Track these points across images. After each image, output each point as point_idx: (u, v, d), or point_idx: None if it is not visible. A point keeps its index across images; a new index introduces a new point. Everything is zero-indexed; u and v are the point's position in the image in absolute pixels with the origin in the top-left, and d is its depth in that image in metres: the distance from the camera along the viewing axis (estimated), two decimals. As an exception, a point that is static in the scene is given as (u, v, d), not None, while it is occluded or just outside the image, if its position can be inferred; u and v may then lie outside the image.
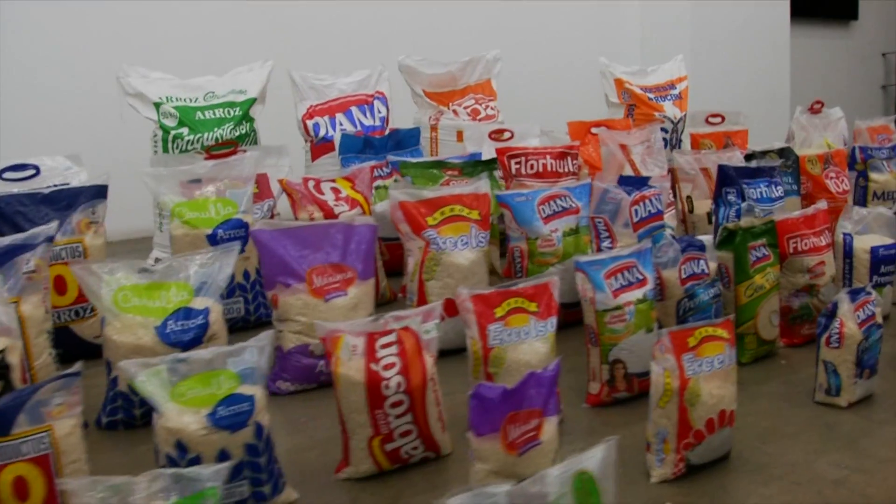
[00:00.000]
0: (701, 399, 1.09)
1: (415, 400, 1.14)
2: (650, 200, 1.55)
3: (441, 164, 1.84)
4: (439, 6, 3.42)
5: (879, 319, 1.32)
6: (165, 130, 2.24)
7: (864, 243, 1.64)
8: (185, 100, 2.29)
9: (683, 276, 1.39)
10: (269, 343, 1.09)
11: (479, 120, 2.66)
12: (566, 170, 2.07)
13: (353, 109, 2.45)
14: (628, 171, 2.16)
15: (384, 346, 1.14)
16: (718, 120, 2.57)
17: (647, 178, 1.60)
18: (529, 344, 1.24)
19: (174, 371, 1.05)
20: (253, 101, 2.35)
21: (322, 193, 1.85)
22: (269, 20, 3.06)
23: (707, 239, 1.44)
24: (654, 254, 1.40)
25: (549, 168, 2.04)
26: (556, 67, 3.49)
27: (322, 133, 2.38)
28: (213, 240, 1.70)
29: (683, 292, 1.39)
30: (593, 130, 2.50)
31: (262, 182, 1.97)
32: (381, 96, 2.50)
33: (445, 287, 1.54)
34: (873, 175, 2.18)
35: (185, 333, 1.33)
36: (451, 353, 1.50)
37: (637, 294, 1.33)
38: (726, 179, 1.71)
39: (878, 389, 1.36)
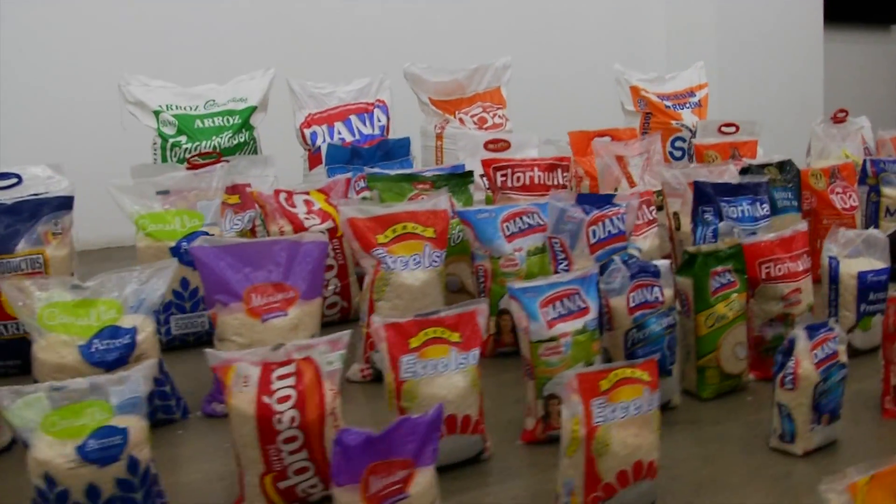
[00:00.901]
0: (611, 449, 0.96)
1: (310, 436, 1.03)
2: (611, 220, 1.41)
3: (412, 178, 1.73)
4: (459, 12, 3.30)
5: (843, 358, 1.15)
6: (164, 139, 2.19)
7: (851, 268, 1.46)
8: (184, 108, 2.24)
9: (632, 304, 1.24)
10: (152, 371, 1.01)
11: (487, 129, 2.54)
12: (556, 182, 1.94)
13: (353, 118, 2.35)
14: (625, 185, 2.01)
15: (280, 378, 1.04)
16: (732, 130, 2.38)
17: (611, 196, 1.45)
18: (447, 377, 1.12)
19: (52, 399, 0.97)
20: (253, 109, 2.28)
21: (294, 206, 1.76)
22: (276, 28, 2.99)
23: (664, 264, 1.29)
24: (603, 280, 1.26)
25: (536, 181, 1.91)
26: (578, 74, 3.33)
27: (319, 142, 2.29)
28: (176, 253, 1.63)
29: (632, 322, 1.24)
30: (595, 140, 2.36)
31: (245, 193, 1.89)
32: (382, 105, 2.40)
33: (395, 308, 1.43)
34: (886, 190, 1.97)
35: (109, 353, 1.26)
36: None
37: (576, 324, 1.20)
38: (703, 197, 1.55)
39: (842, 436, 1.19)
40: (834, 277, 1.48)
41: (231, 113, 2.27)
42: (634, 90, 2.71)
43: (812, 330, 1.13)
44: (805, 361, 1.11)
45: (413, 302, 1.44)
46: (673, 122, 2.63)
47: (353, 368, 1.49)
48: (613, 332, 1.26)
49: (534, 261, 1.53)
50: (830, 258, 1.48)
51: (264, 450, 1.02)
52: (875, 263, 1.47)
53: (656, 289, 1.27)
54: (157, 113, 2.21)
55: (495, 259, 1.54)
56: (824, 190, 1.89)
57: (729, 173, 1.79)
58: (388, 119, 2.39)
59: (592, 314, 1.22)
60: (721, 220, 1.53)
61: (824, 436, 1.15)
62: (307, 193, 1.79)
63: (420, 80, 2.53)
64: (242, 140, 2.26)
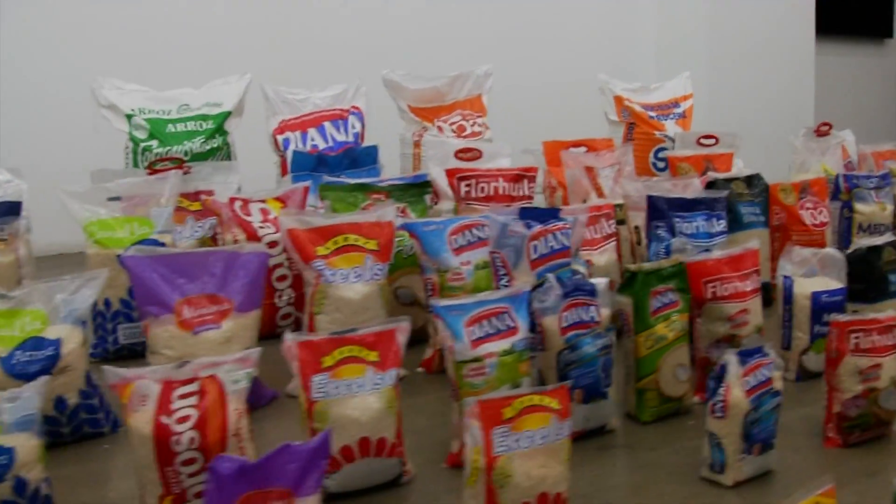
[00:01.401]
0: (513, 480, 0.90)
1: (211, 458, 0.98)
2: (554, 235, 1.35)
3: (366, 188, 1.68)
4: (453, 18, 3.25)
5: (777, 385, 1.09)
6: (136, 143, 2.15)
7: (805, 288, 1.39)
8: (157, 112, 2.20)
9: (564, 324, 1.18)
10: (44, 388, 0.96)
11: (465, 137, 2.48)
12: (521, 193, 1.88)
13: (327, 125, 2.30)
14: (594, 197, 1.94)
15: (182, 397, 0.99)
16: (712, 142, 2.31)
17: (557, 211, 1.39)
18: (361, 398, 1.06)
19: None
20: (227, 114, 2.24)
21: (249, 214, 1.72)
22: (256, 33, 2.94)
23: (601, 282, 1.23)
24: (537, 298, 1.20)
25: (501, 191, 1.85)
26: (568, 84, 3.26)
27: (292, 148, 2.24)
28: (125, 261, 1.58)
29: (564, 343, 1.18)
30: (571, 150, 2.30)
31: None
32: (357, 111, 2.35)
33: (334, 322, 1.38)
34: (859, 206, 1.89)
35: (31, 365, 1.22)
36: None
37: (503, 345, 1.14)
38: (656, 212, 1.49)
39: (778, 465, 1.12)
40: (788, 297, 1.41)
41: (204, 118, 2.22)
42: (618, 100, 2.65)
43: (744, 356, 1.06)
44: (735, 389, 1.05)
45: (353, 316, 1.39)
46: (656, 132, 2.56)
47: (294, 382, 1.43)
48: (546, 352, 1.20)
49: (481, 275, 1.47)
50: (785, 277, 1.41)
51: (162, 471, 0.97)
52: (830, 283, 1.40)
53: (592, 308, 1.21)
54: (129, 116, 2.17)
55: (442, 272, 1.48)
56: (794, 205, 1.82)
57: (693, 187, 1.73)
58: (363, 126, 2.34)
59: (521, 334, 1.16)
60: (674, 235, 1.47)
61: (756, 466, 1.08)
62: (264, 201, 1.74)
63: (399, 87, 2.47)
64: (215, 145, 2.21)
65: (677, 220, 1.49)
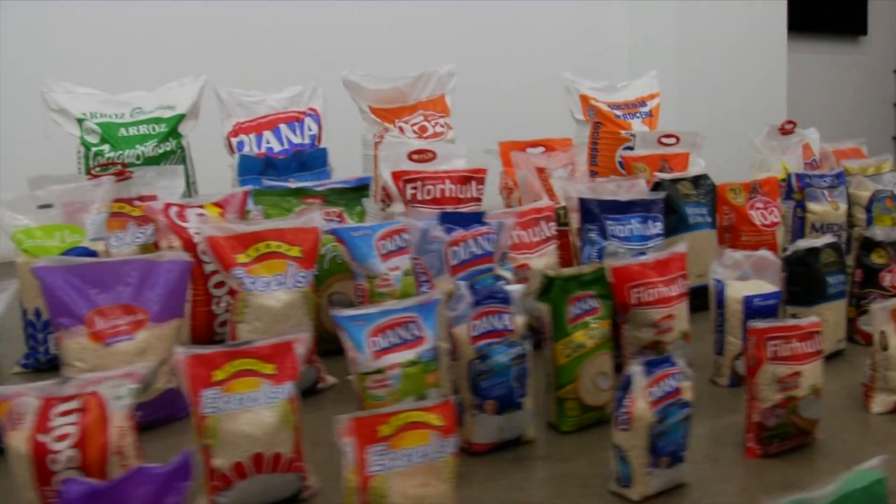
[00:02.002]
0: (389, 500, 0.86)
1: (91, 477, 0.94)
2: (475, 241, 1.31)
3: (301, 192, 1.64)
4: (430, 14, 3.20)
5: (686, 396, 1.04)
6: (87, 147, 2.12)
7: (737, 292, 1.34)
8: (109, 116, 2.16)
9: (475, 333, 1.14)
10: None
11: (427, 137, 2.43)
12: (469, 195, 1.84)
13: (282, 127, 2.26)
14: (545, 199, 1.90)
15: (62, 414, 0.95)
16: (672, 141, 2.26)
17: (480, 215, 1.35)
18: (254, 413, 1.02)
19: None
20: (181, 117, 2.20)
21: (185, 220, 1.68)
22: (213, 35, 2.90)
23: (515, 289, 1.18)
24: (449, 306, 1.16)
25: (448, 194, 1.81)
26: (537, 82, 3.21)
27: (245, 150, 2.20)
28: (55, 269, 1.54)
29: (475, 352, 1.14)
30: (528, 151, 2.25)
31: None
32: (314, 113, 2.31)
33: (255, 331, 1.34)
34: (811, 205, 1.84)
35: (-66, 379, 1.18)
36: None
37: (407, 355, 1.10)
38: (587, 214, 1.44)
39: (694, 477, 1.08)
40: (720, 302, 1.36)
41: (157, 121, 2.19)
42: (584, 99, 2.60)
43: (650, 366, 1.02)
44: (640, 400, 1.00)
45: (274, 324, 1.35)
46: (622, 131, 2.51)
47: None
48: (457, 362, 1.16)
49: (409, 281, 1.43)
50: (716, 281, 1.36)
51: (41, 491, 0.93)
52: (764, 287, 1.35)
53: (506, 316, 1.16)
54: (80, 121, 2.14)
55: (371, 279, 1.44)
56: (743, 205, 1.77)
57: (638, 188, 1.68)
58: (320, 128, 2.30)
59: (428, 344, 1.12)
60: (606, 238, 1.42)
61: (665, 479, 1.04)
62: (202, 207, 1.70)
63: (359, 87, 2.43)
64: (169, 149, 2.18)
65: (610, 222, 1.44)
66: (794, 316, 1.46)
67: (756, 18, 3.18)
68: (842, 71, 4.05)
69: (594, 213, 1.44)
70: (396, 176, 1.82)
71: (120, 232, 1.83)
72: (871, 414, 1.27)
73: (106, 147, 2.12)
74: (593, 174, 2.51)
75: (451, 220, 1.31)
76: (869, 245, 1.50)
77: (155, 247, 1.76)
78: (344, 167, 2.14)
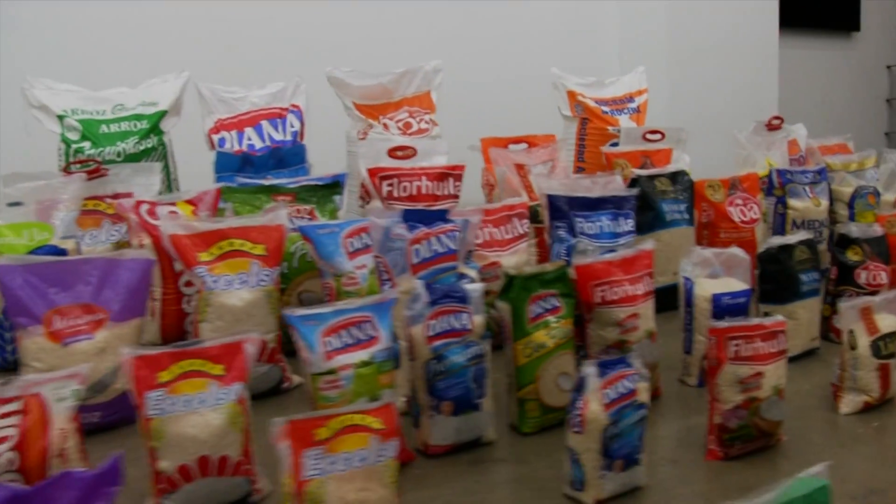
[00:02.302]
0: (326, 506, 0.83)
1: (32, 480, 0.92)
2: (438, 238, 1.28)
3: (272, 190, 1.61)
4: (420, 9, 3.17)
5: (642, 397, 1.01)
6: (67, 144, 2.10)
7: (705, 290, 1.31)
8: (91, 112, 2.14)
9: (431, 332, 1.11)
10: None
11: (411, 134, 2.41)
12: (446, 192, 1.81)
13: (264, 123, 2.23)
14: (524, 196, 1.87)
15: (2, 416, 0.93)
16: (657, 137, 2.23)
17: (444, 212, 1.32)
18: (201, 415, 1.00)
19: None
20: (163, 113, 2.18)
21: (156, 218, 1.65)
22: (200, 31, 2.88)
23: (474, 288, 1.16)
24: (406, 305, 1.13)
25: (424, 191, 1.78)
26: (529, 78, 3.17)
27: (227, 147, 2.18)
28: (23, 267, 1.53)
29: (431, 352, 1.11)
30: (511, 147, 2.22)
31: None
32: (297, 109, 2.28)
33: (217, 331, 1.32)
34: (792, 202, 1.81)
35: None
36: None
37: (361, 355, 1.08)
38: (556, 212, 1.42)
39: (652, 480, 1.05)
40: (689, 300, 1.33)
41: (139, 117, 2.16)
42: (571, 95, 2.57)
43: (604, 367, 0.99)
44: (593, 403, 0.97)
45: (236, 324, 1.33)
46: (610, 128, 2.48)
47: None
48: (414, 362, 1.13)
49: (375, 280, 1.41)
50: (685, 279, 1.33)
51: (-21, 494, 0.92)
52: (734, 285, 1.32)
53: (464, 315, 1.14)
54: (61, 117, 2.12)
55: (338, 277, 1.42)
56: (722, 202, 1.74)
57: (614, 185, 1.65)
58: (303, 124, 2.28)
59: (382, 344, 1.09)
60: (575, 236, 1.39)
61: (619, 483, 1.01)
62: (173, 204, 1.68)
63: (343, 84, 2.40)
64: (150, 145, 2.15)
65: (579, 219, 1.41)
66: (766, 314, 1.43)
67: (748, 14, 3.13)
68: (835, 67, 3.99)
69: (562, 209, 1.41)
70: (372, 173, 1.79)
71: (94, 230, 1.81)
72: (839, 415, 1.23)
73: (86, 144, 2.09)
74: (581, 170, 2.48)
75: (415, 218, 1.28)
76: (844, 242, 1.46)
77: (129, 245, 1.74)
78: (332, 164, 2.11)
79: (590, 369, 0.98)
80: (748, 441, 1.10)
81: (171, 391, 0.99)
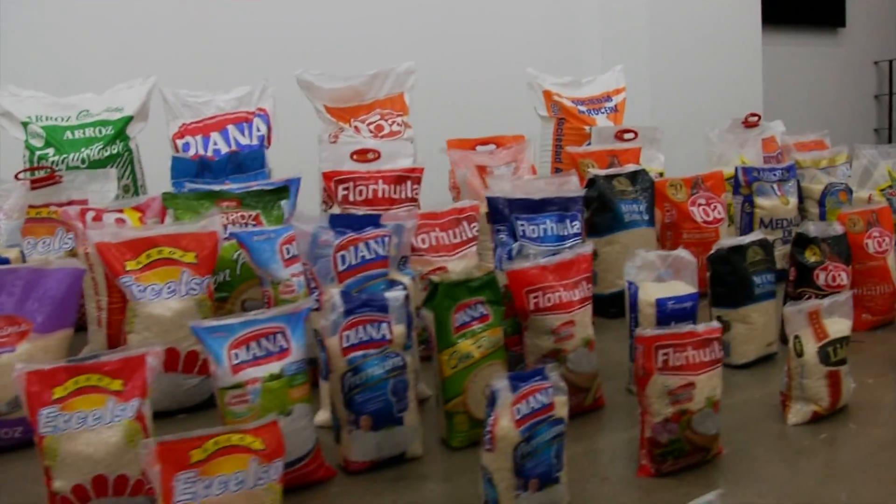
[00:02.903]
0: (200, 533, 0.77)
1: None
2: (366, 244, 1.21)
3: (215, 195, 1.56)
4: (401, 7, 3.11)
5: (560, 412, 0.94)
6: (31, 151, 2.06)
7: (649, 294, 1.24)
8: (55, 119, 2.10)
9: (346, 343, 1.05)
10: None
11: (383, 136, 2.35)
12: (403, 196, 1.75)
13: (230, 128, 2.19)
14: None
15: None
16: (632, 136, 2.15)
17: (376, 217, 1.25)
18: (96, 432, 0.94)
19: None
20: (129, 119, 2.14)
21: (102, 226, 1.61)
22: (170, 33, 2.83)
23: (394, 297, 1.09)
24: (323, 315, 1.07)
25: (381, 194, 1.72)
26: (508, 78, 3.11)
27: (191, 152, 2.14)
28: (-35, 276, 1.48)
29: (347, 364, 1.05)
30: (479, 149, 2.16)
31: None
32: (263, 113, 2.23)
33: (145, 341, 1.27)
34: (759, 200, 1.73)
35: None
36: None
37: (270, 369, 1.01)
38: (496, 214, 1.35)
39: (577, 499, 0.98)
40: (633, 305, 1.26)
41: (104, 123, 2.12)
42: (547, 94, 2.51)
43: (517, 380, 0.92)
44: (504, 419, 0.91)
45: (165, 334, 1.28)
46: (586, 127, 2.41)
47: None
48: (331, 375, 1.07)
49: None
50: (629, 283, 1.26)
51: None
52: (680, 289, 1.25)
53: (384, 325, 1.08)
54: (25, 124, 2.08)
55: (275, 284, 1.36)
56: (684, 202, 1.66)
57: (570, 185, 1.58)
58: (269, 128, 2.22)
59: (294, 356, 1.03)
60: (516, 239, 1.32)
61: (536, 503, 0.94)
62: (121, 211, 1.63)
63: (313, 87, 2.35)
64: (115, 152, 2.11)
65: (521, 222, 1.34)
66: (719, 318, 1.36)
67: (730, 10, 3.05)
68: (821, 64, 3.88)
69: (503, 212, 1.35)
70: (328, 176, 1.73)
71: (48, 237, 1.77)
72: (788, 426, 1.16)
73: (50, 151, 2.06)
74: (558, 171, 2.42)
75: (343, 224, 1.22)
76: (802, 241, 1.38)
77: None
78: (311, 170, 2.06)
79: (500, 383, 0.91)
80: (681, 457, 1.03)
81: (65, 408, 0.94)
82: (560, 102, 2.46)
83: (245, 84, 2.26)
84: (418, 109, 2.46)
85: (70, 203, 1.78)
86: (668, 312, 1.23)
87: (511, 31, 3.24)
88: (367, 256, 1.22)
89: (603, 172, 1.64)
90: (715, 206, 1.67)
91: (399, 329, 1.09)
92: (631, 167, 1.65)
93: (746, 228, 1.73)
